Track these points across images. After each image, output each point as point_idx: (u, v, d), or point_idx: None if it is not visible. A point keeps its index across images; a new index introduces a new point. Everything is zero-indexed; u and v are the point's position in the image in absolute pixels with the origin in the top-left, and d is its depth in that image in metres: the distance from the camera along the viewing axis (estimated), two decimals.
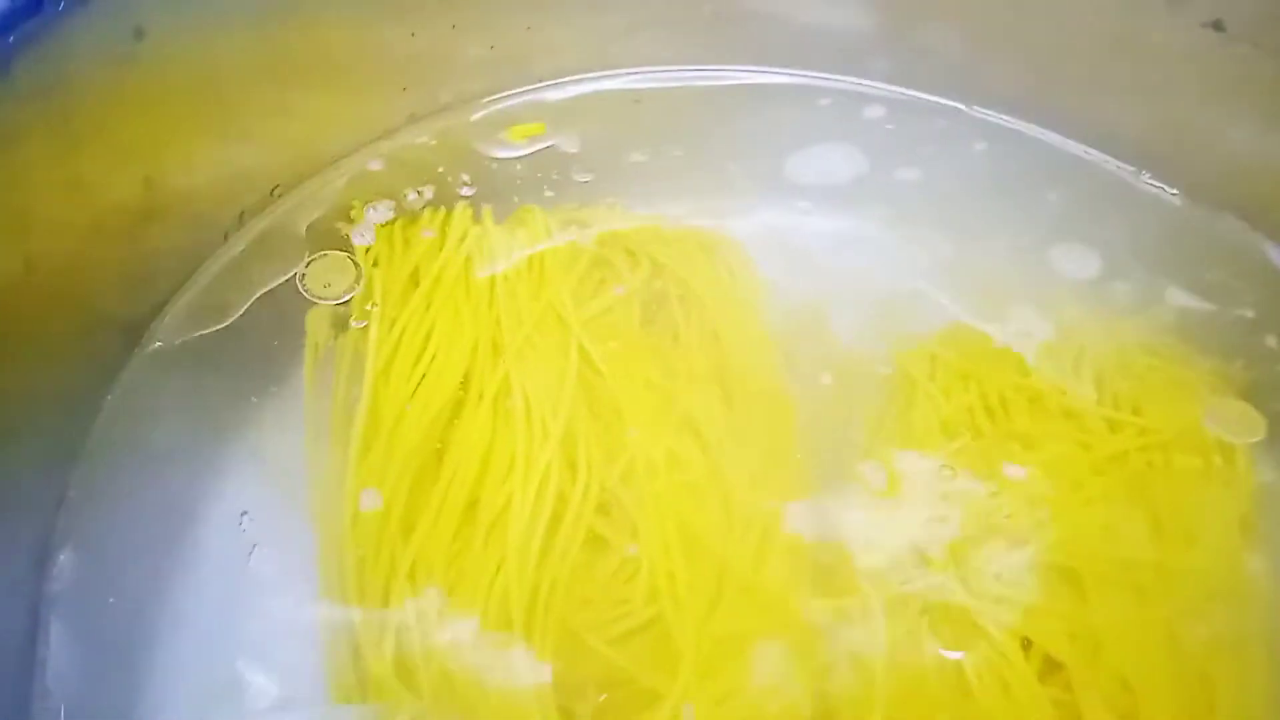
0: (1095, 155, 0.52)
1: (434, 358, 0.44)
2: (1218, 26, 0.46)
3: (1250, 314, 0.48)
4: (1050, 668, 0.38)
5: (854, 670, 0.38)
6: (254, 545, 0.41)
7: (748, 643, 0.38)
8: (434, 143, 0.51)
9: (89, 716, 0.36)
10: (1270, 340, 0.47)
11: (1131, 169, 0.52)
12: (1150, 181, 0.52)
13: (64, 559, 0.38)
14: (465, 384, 0.44)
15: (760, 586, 0.39)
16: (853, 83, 0.55)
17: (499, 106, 0.52)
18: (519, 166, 0.51)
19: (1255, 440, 0.44)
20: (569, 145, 0.52)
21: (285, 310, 0.45)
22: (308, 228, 0.47)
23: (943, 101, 0.54)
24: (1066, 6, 0.49)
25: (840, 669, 0.38)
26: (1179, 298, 0.48)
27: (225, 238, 0.45)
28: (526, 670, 0.37)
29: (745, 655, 0.38)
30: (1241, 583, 0.41)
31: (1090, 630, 0.39)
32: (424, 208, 0.49)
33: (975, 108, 0.54)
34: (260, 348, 0.44)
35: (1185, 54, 0.47)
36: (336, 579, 0.39)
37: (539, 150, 0.52)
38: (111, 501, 0.40)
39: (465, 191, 0.50)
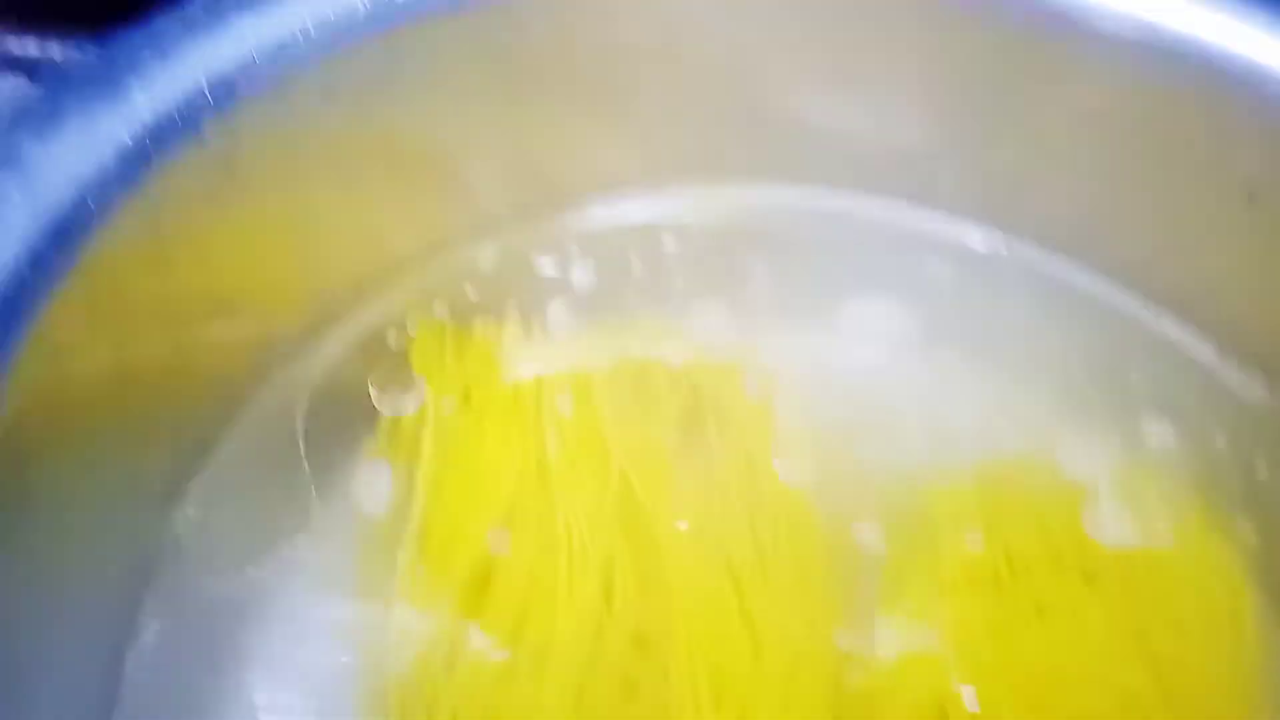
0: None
1: (485, 475, 0.46)
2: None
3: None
4: None
5: None
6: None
7: None
8: (494, 257, 0.52)
9: None
10: None
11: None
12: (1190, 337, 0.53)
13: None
14: (512, 508, 0.45)
15: None
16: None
17: (554, 224, 0.54)
18: (570, 285, 0.53)
19: None
20: (617, 267, 0.54)
21: (340, 424, 0.46)
22: (366, 343, 0.49)
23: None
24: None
25: None
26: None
27: (289, 354, 0.46)
28: None
29: None
30: None
31: None
32: (478, 320, 0.51)
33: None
34: (319, 459, 0.46)
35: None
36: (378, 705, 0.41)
37: (587, 270, 0.53)
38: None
39: (519, 303, 0.52)
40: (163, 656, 0.40)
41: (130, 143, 0.35)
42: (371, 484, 0.46)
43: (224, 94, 0.38)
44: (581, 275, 0.53)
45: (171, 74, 0.37)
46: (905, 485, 0.48)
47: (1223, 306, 0.52)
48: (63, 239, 0.33)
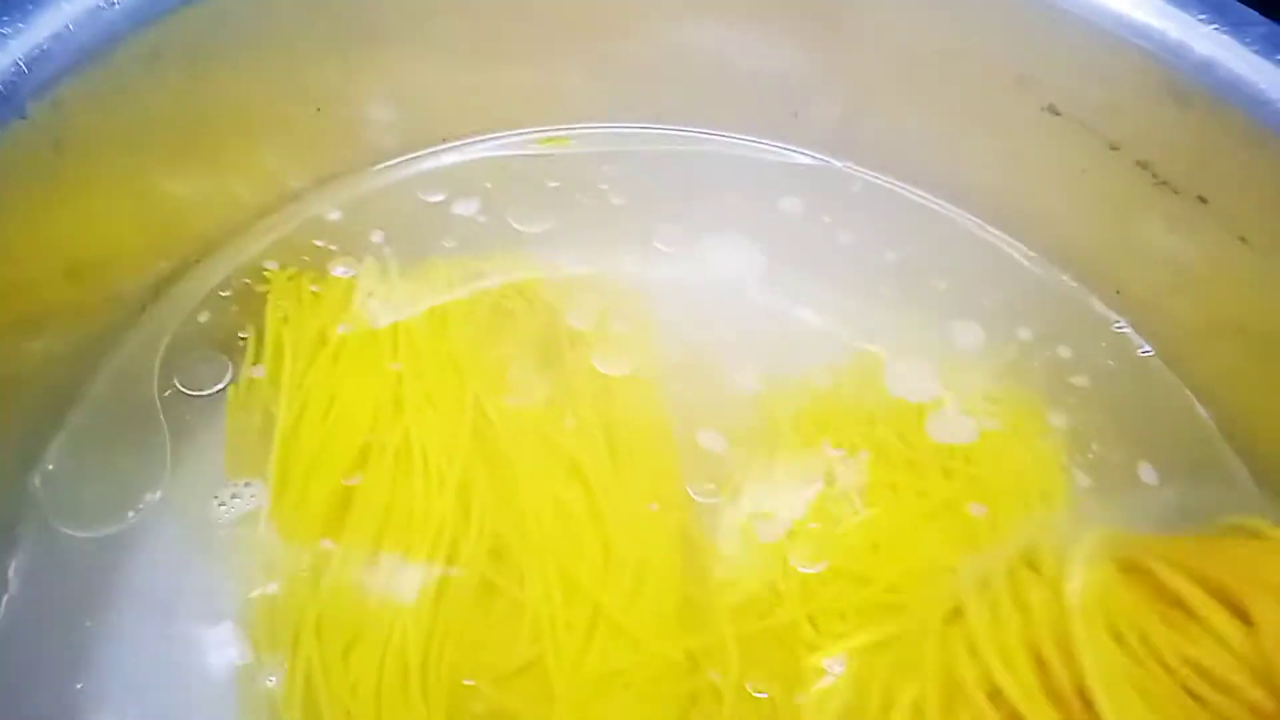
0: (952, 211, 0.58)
1: (340, 414, 0.49)
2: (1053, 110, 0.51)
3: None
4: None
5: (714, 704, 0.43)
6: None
7: (618, 680, 0.44)
8: (342, 202, 0.55)
9: None
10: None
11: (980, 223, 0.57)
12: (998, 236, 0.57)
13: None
14: (369, 439, 0.48)
15: (631, 627, 0.45)
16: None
17: (407, 166, 0.56)
18: (425, 222, 0.55)
19: None
20: (472, 201, 0.56)
21: (199, 372, 0.49)
22: (225, 292, 0.51)
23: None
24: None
25: (703, 703, 0.44)
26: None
27: (143, 309, 0.48)
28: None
29: (615, 693, 0.44)
30: None
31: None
32: (333, 264, 0.53)
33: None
34: (178, 408, 0.48)
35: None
36: (249, 627, 0.44)
37: (443, 205, 0.56)
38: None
39: (375, 244, 0.54)
40: (30, 604, 0.43)
41: None
42: (231, 429, 0.48)
43: (41, 67, 0.39)
44: (435, 216, 0.56)
45: None
46: (749, 393, 0.52)
47: (1033, 210, 0.55)
48: None
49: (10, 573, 0.43)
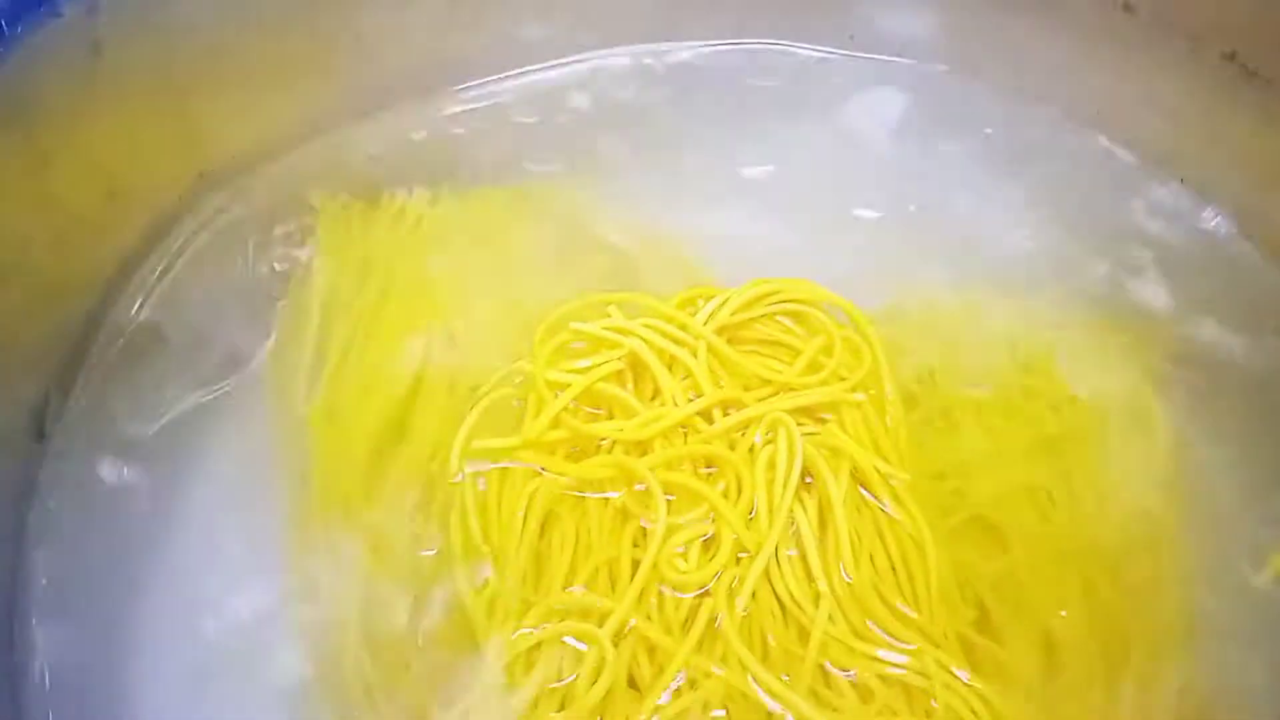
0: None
1: (393, 343, 0.46)
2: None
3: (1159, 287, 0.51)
4: (983, 618, 0.41)
5: None
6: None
7: None
8: (388, 132, 0.53)
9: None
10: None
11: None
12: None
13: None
14: (424, 367, 0.46)
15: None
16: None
17: (456, 96, 0.54)
18: (474, 153, 0.53)
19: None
20: (526, 131, 0.54)
21: (246, 299, 0.47)
22: (269, 219, 0.49)
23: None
24: None
25: None
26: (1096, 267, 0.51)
27: (187, 234, 0.46)
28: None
29: None
30: (1156, 535, 0.44)
31: (1015, 582, 0.42)
32: (381, 193, 0.51)
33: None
34: (223, 335, 0.46)
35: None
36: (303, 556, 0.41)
37: (494, 133, 0.54)
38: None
39: (422, 181, 0.52)
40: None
41: None
42: (278, 356, 0.46)
43: None
44: (485, 145, 0.53)
45: None
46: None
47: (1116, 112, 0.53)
48: None
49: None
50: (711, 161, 0.55)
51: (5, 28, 0.35)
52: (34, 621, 0.39)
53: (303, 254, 0.48)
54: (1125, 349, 0.49)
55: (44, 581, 0.40)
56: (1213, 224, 0.51)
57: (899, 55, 0.57)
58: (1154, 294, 0.51)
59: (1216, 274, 0.50)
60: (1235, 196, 0.50)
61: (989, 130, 0.55)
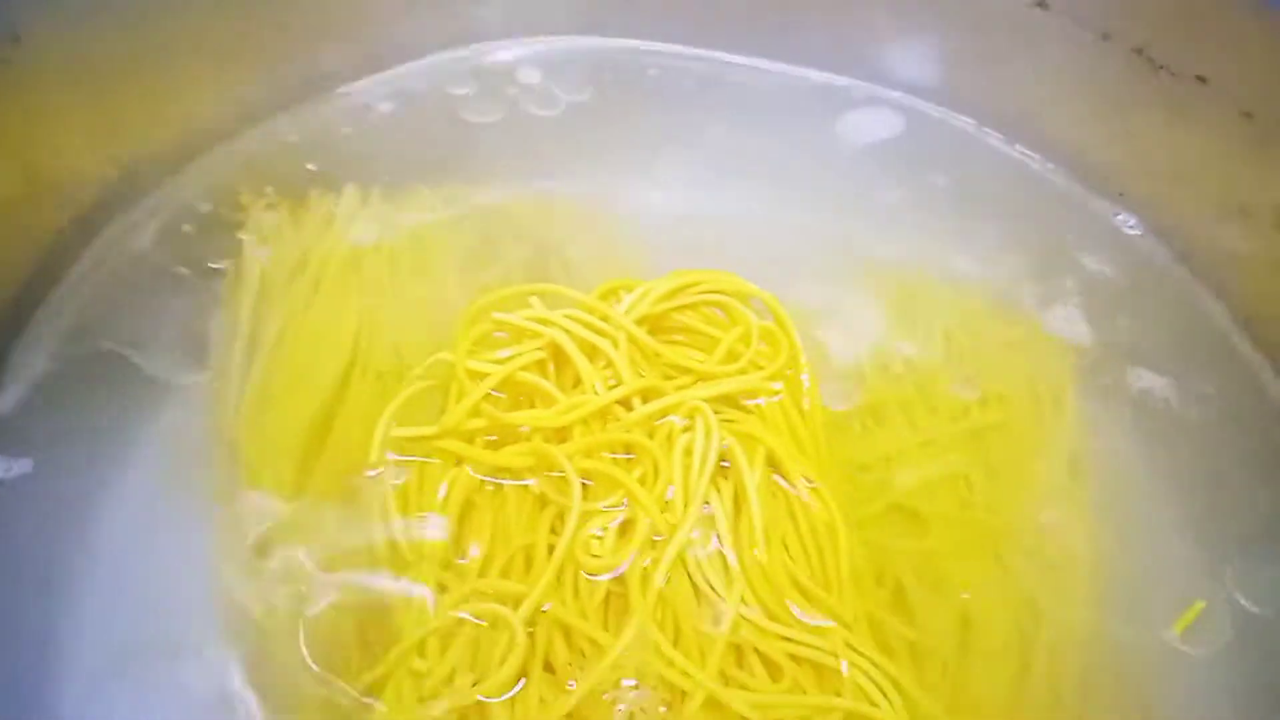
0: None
1: (323, 335, 0.47)
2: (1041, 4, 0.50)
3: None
4: (900, 599, 0.42)
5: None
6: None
7: None
8: (313, 125, 0.53)
9: None
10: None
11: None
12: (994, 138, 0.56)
13: None
14: (353, 359, 0.46)
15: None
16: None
17: (376, 85, 0.55)
18: (405, 147, 0.54)
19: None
20: (454, 123, 0.55)
21: (174, 295, 0.47)
22: (198, 216, 0.49)
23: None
24: None
25: None
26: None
27: (113, 226, 0.46)
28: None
29: None
30: (1066, 515, 0.45)
31: (933, 564, 0.43)
32: (310, 190, 0.51)
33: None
34: (151, 330, 0.46)
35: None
36: (229, 545, 0.42)
37: (422, 129, 0.54)
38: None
39: (352, 176, 0.52)
40: None
41: None
42: (209, 353, 0.46)
43: None
44: (416, 138, 0.54)
45: None
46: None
47: (1027, 109, 0.54)
48: None
49: None
50: (650, 157, 0.56)
51: None
52: None
53: (233, 251, 0.49)
54: (1046, 347, 0.50)
55: None
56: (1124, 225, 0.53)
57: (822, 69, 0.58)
58: (1072, 303, 0.52)
59: (1127, 268, 0.52)
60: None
61: (904, 130, 0.57)
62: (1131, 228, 0.53)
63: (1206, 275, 0.50)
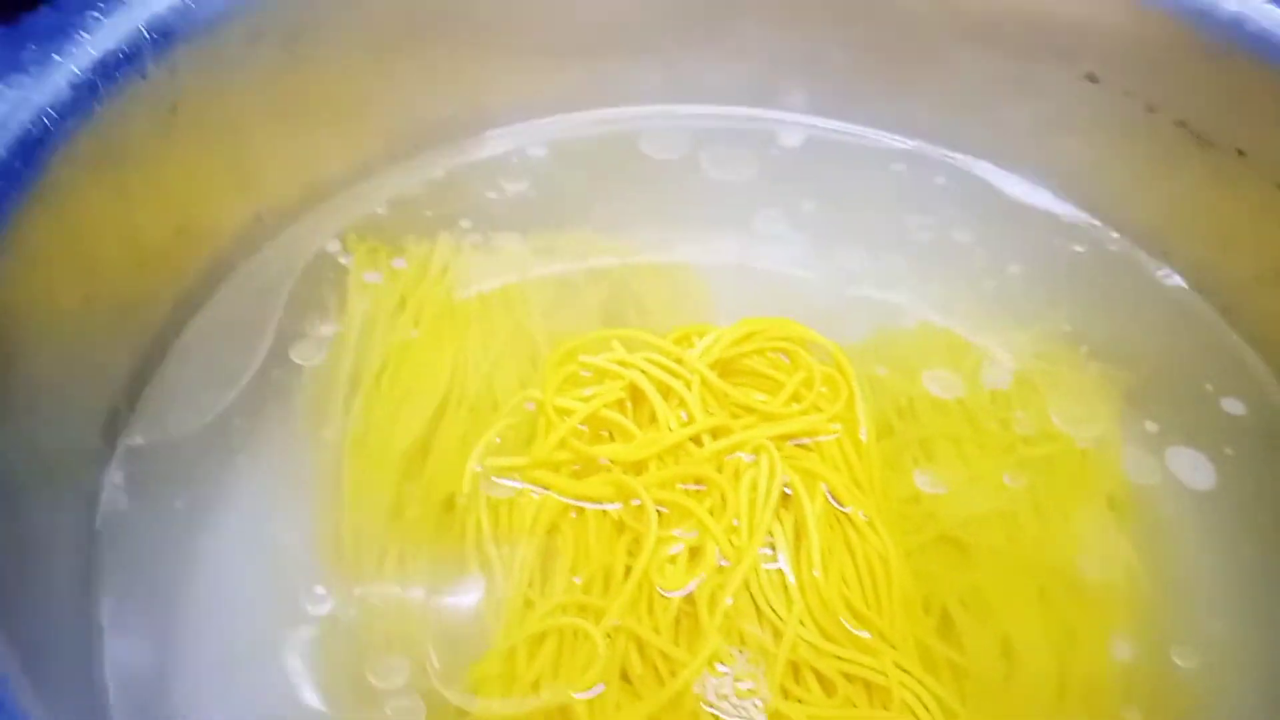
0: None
1: (420, 372, 0.52)
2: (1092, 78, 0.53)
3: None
4: (946, 626, 0.46)
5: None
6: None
7: None
8: (420, 181, 0.59)
9: None
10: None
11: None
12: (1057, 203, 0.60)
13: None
14: (448, 394, 0.51)
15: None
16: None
17: (479, 148, 0.60)
18: (498, 204, 0.59)
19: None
20: (543, 183, 0.60)
21: (290, 330, 0.53)
22: (312, 255, 0.55)
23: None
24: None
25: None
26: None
27: (230, 272, 0.52)
28: None
29: None
30: (1106, 547, 0.48)
31: (979, 594, 0.47)
32: (410, 240, 0.56)
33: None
34: (268, 362, 0.52)
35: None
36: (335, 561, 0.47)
37: (516, 191, 0.60)
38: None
39: (450, 221, 0.58)
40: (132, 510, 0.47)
41: (80, 74, 0.41)
42: (319, 373, 0.52)
43: (161, 35, 0.44)
44: (511, 194, 0.59)
45: (114, 20, 0.43)
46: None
47: (1078, 173, 0.58)
48: (27, 154, 0.39)
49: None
50: (718, 211, 0.61)
51: (100, 84, 0.41)
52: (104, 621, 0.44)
53: (342, 290, 0.54)
54: (1096, 385, 0.54)
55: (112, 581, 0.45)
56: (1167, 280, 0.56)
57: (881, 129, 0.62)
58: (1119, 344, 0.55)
59: (1174, 328, 0.55)
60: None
61: (963, 184, 0.61)
62: (1175, 283, 0.56)
63: (1245, 330, 0.53)
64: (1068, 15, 0.53)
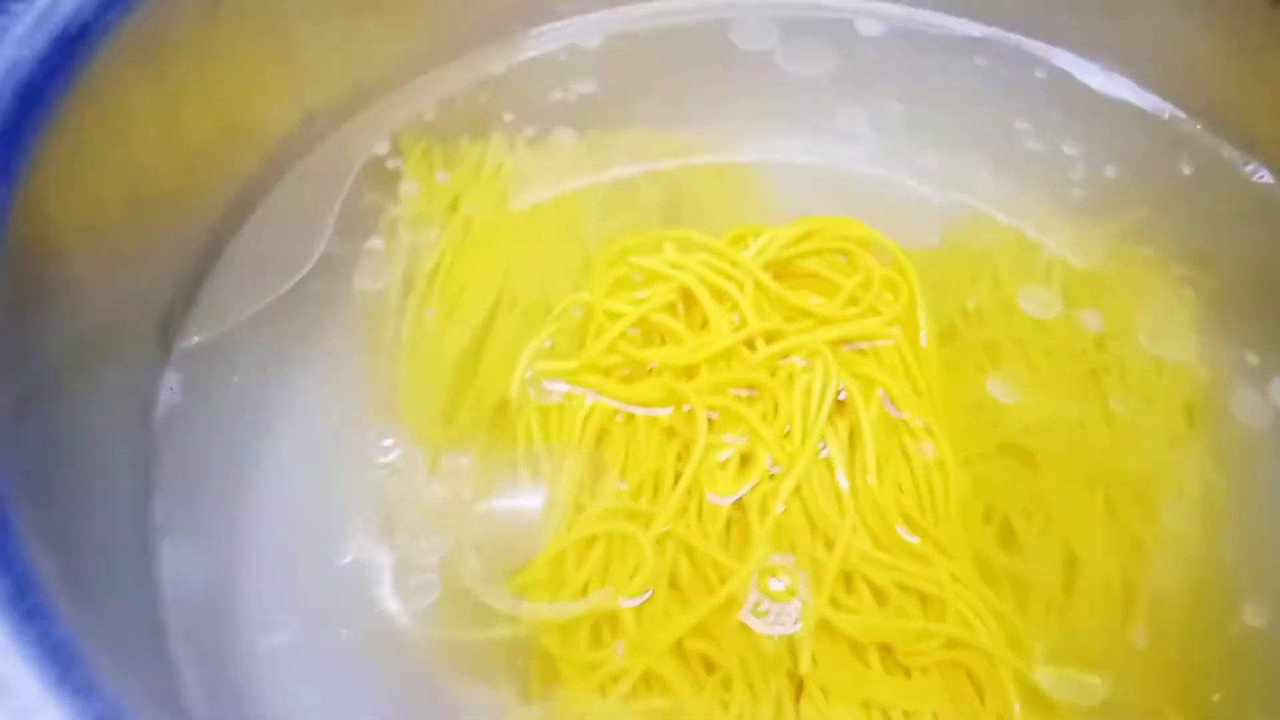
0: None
1: (473, 274, 0.51)
2: None
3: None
4: (1007, 536, 0.45)
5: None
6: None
7: None
8: (474, 79, 0.57)
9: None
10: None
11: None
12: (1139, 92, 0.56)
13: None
14: (500, 298, 0.50)
15: None
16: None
17: (528, 45, 0.58)
18: (553, 99, 0.57)
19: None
20: (596, 83, 0.58)
21: (345, 229, 0.52)
22: (360, 157, 0.54)
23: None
24: None
25: None
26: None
27: (283, 172, 0.52)
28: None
29: None
30: (1178, 465, 0.46)
31: (1042, 504, 0.45)
32: (463, 138, 0.55)
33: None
34: (323, 261, 0.51)
35: None
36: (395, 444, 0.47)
37: (572, 88, 0.58)
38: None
39: (504, 120, 0.56)
40: (188, 411, 0.47)
41: None
42: (373, 275, 0.51)
43: None
44: (567, 91, 0.57)
45: None
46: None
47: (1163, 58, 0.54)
48: (68, 46, 0.38)
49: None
50: (784, 107, 0.58)
51: None
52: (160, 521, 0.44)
53: (395, 190, 0.53)
54: (1175, 290, 0.51)
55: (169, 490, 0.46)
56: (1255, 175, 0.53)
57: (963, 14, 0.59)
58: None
59: (1255, 222, 0.52)
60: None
61: (1042, 75, 0.57)
62: (1262, 178, 0.53)
63: None
64: None
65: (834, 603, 0.42)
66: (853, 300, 0.48)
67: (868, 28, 0.60)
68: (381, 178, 0.54)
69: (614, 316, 0.47)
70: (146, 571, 0.42)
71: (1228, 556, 0.45)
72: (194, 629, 0.42)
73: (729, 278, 0.48)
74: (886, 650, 0.41)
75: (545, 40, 0.58)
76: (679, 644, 0.41)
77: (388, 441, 0.47)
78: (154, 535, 0.43)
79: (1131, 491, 0.46)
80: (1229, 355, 0.49)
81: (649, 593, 0.42)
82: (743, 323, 0.47)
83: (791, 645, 0.41)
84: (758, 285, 0.48)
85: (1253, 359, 0.49)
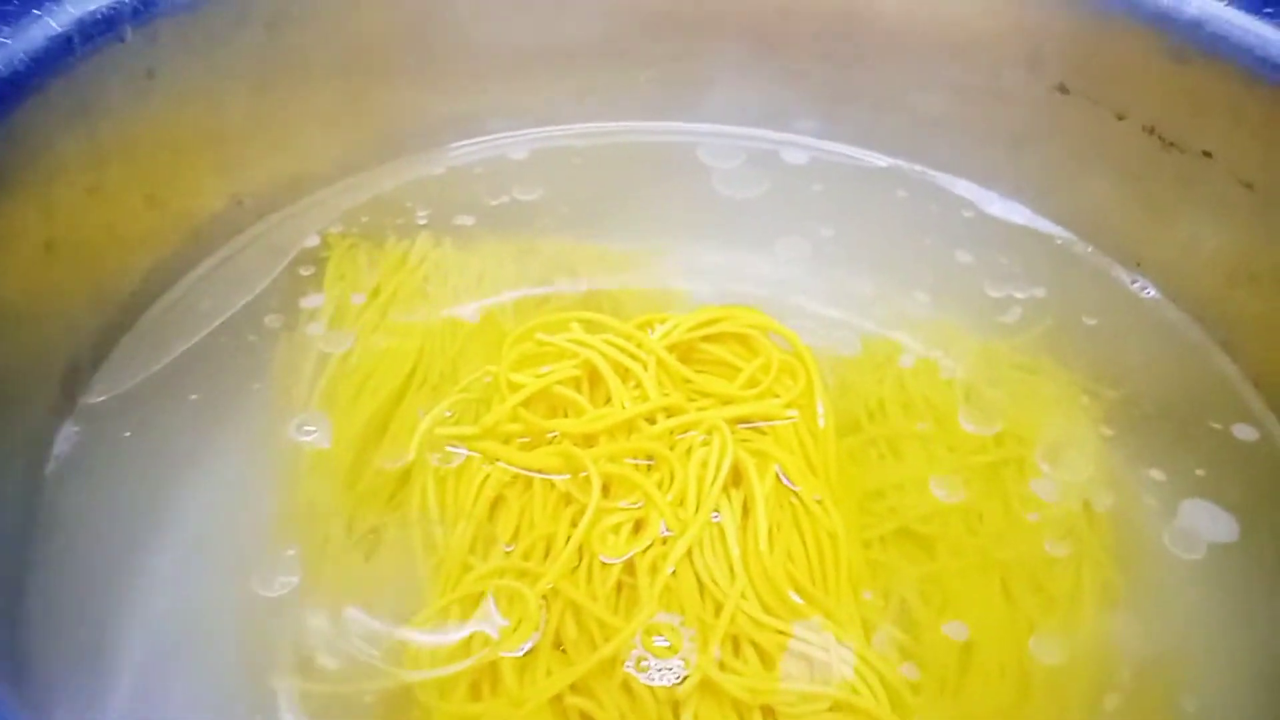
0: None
1: (387, 354, 0.52)
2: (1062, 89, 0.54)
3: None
4: (904, 617, 0.44)
5: None
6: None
7: None
8: (400, 183, 0.60)
9: None
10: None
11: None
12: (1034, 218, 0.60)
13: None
14: (412, 374, 0.51)
15: None
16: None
17: (461, 154, 0.62)
18: (481, 204, 0.60)
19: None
20: (525, 192, 0.61)
21: (263, 310, 0.53)
22: (287, 248, 0.56)
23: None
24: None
25: None
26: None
27: (208, 252, 0.53)
28: None
29: None
30: (1076, 555, 0.47)
31: (939, 586, 0.45)
32: (388, 236, 0.58)
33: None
34: (235, 343, 0.52)
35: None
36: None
37: (500, 195, 0.61)
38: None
39: (432, 221, 0.59)
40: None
41: (59, 30, 0.43)
42: (291, 354, 0.52)
43: (143, 4, 0.46)
44: (491, 198, 0.60)
45: None
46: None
47: (1051, 184, 0.58)
48: None
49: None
50: (710, 222, 0.62)
51: (77, 43, 0.43)
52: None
53: (318, 280, 0.55)
54: (1066, 390, 0.53)
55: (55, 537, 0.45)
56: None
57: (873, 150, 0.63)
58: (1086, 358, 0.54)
59: (1145, 335, 0.55)
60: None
61: (944, 203, 0.61)
62: (1149, 294, 0.55)
63: (1219, 335, 0.52)
64: (1035, 25, 0.53)
65: (720, 665, 0.41)
66: (753, 382, 0.49)
67: (793, 157, 0.64)
68: (306, 268, 0.55)
69: (517, 387, 0.48)
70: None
71: (1127, 648, 0.45)
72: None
73: (633, 356, 0.49)
74: (770, 712, 0.40)
75: (476, 150, 0.62)
76: (559, 700, 0.40)
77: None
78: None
79: (1029, 580, 0.46)
80: (1134, 467, 0.50)
81: (531, 642, 0.41)
82: (643, 398, 0.48)
83: (675, 704, 0.40)
84: (660, 364, 0.49)
85: (1157, 475, 0.50)
